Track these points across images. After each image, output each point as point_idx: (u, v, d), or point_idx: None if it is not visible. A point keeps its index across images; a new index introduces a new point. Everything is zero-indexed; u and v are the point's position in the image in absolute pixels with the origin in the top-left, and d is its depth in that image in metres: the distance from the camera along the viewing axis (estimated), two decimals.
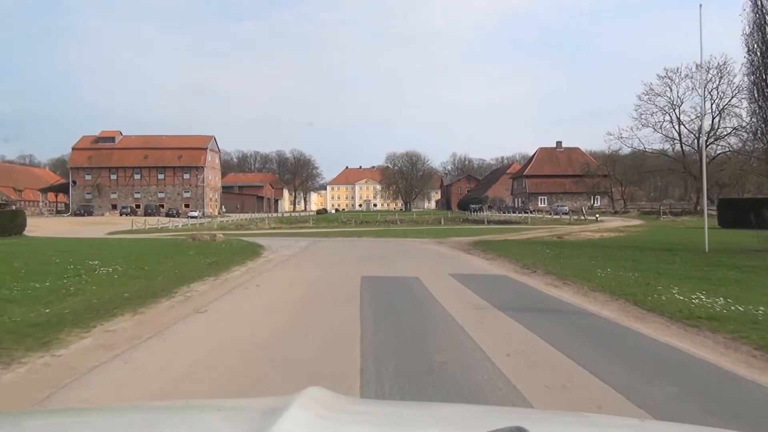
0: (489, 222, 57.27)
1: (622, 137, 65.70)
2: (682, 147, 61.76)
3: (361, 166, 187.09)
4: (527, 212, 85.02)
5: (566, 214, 72.66)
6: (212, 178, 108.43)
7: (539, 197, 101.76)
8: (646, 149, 64.65)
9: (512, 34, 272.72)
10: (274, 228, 55.52)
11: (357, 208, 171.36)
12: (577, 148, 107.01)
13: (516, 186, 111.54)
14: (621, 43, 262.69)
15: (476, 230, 42.11)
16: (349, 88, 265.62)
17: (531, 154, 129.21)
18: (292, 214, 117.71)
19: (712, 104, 60.15)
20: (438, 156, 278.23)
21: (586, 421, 1.90)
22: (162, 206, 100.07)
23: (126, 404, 3.78)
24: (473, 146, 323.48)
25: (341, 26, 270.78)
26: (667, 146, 64.03)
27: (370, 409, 2.02)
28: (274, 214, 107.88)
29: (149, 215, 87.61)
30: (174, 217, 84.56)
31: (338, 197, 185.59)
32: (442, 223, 58.12)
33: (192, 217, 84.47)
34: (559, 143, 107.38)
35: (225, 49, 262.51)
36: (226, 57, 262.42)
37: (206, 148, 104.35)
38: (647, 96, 62.20)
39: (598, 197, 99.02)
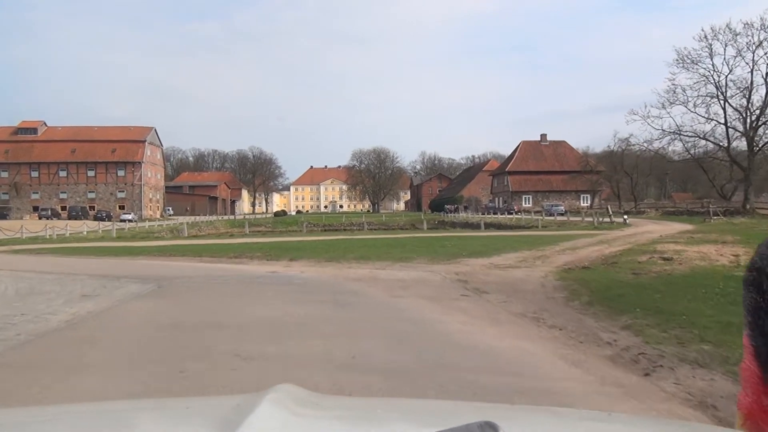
0: (487, 226, 40.73)
1: (649, 116, 49.16)
2: (726, 129, 45.90)
3: (326, 166, 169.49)
4: (513, 213, 69.40)
5: (562, 214, 57.48)
6: (152, 175, 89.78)
7: (524, 196, 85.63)
8: (681, 131, 48.50)
9: (476, 37, 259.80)
10: (192, 236, 38.35)
11: (322, 209, 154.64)
12: (564, 142, 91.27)
13: (496, 184, 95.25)
14: (585, 46, 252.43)
15: (485, 240, 25.49)
16: (313, 87, 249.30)
17: (501, 152, 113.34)
18: (246, 216, 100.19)
19: (764, 75, 44.35)
20: (406, 156, 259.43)
21: (553, 414, 1.80)
22: (92, 208, 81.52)
23: (91, 403, 3.14)
24: (442, 146, 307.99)
25: (303, 26, 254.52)
26: (707, 128, 47.50)
27: (343, 405, 1.85)
28: (227, 217, 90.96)
29: (74, 218, 70.74)
30: (103, 220, 67.16)
31: (302, 198, 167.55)
32: (425, 227, 41.28)
33: (124, 221, 67.56)
34: (543, 136, 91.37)
35: (184, 48, 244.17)
36: (185, 56, 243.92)
37: (144, 141, 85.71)
38: (682, 63, 45.89)
39: (588, 196, 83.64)
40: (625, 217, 42.08)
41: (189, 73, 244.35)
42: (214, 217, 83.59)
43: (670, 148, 54.21)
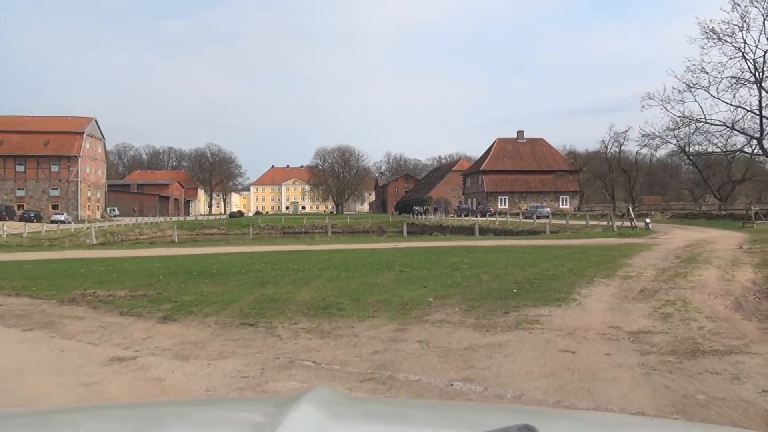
0: (483, 232, 31.33)
1: (668, 101, 40.55)
2: (761, 118, 37.28)
3: (288, 165, 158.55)
4: (494, 215, 60.30)
5: (547, 217, 48.86)
6: (92, 171, 78.06)
7: (499, 197, 76.82)
8: (707, 119, 40.01)
9: (439, 41, 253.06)
10: (100, 245, 28.24)
11: (284, 210, 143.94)
12: (542, 139, 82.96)
13: (469, 184, 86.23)
14: (544, 51, 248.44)
15: (508, 257, 16.05)
16: (277, 86, 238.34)
17: (468, 153, 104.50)
18: (199, 217, 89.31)
19: None
20: (371, 156, 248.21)
21: (593, 418, 1.77)
22: (21, 207, 69.72)
23: (133, 401, 3.26)
24: (407, 147, 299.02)
25: (268, 26, 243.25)
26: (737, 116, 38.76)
27: (379, 406, 1.87)
28: (177, 218, 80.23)
29: None
30: (30, 221, 55.60)
31: (263, 198, 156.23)
32: (405, 233, 31.65)
33: (56, 222, 56.59)
34: (520, 133, 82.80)
35: (146, 45, 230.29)
36: (146, 53, 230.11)
37: (82, 133, 74.01)
38: (716, 37, 37.01)
39: (567, 197, 75.60)
40: (648, 221, 33.31)
41: (150, 70, 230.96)
42: (162, 219, 72.82)
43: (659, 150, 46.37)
